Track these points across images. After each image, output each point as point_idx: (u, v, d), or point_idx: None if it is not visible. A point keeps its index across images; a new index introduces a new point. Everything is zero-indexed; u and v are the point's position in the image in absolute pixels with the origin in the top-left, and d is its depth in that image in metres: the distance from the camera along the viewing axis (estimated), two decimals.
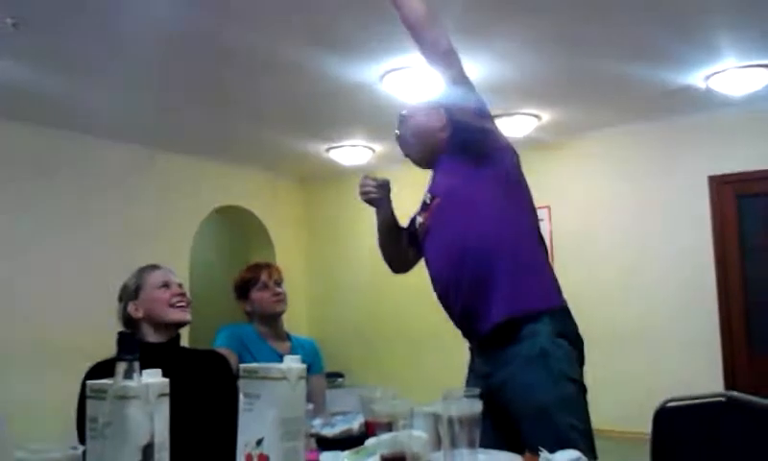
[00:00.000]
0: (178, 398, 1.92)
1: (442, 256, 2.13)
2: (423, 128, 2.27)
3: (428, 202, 2.22)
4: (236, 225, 7.14)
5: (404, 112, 2.34)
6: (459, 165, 2.13)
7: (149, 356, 2.07)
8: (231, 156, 6.38)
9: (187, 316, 2.21)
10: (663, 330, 5.33)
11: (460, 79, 2.05)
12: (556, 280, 2.11)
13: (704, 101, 4.91)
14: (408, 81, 4.27)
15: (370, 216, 8.22)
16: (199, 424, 1.92)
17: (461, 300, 2.08)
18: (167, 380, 1.19)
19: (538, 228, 2.18)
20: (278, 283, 2.83)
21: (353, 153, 6.10)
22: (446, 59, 2.01)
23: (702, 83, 4.61)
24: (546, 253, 2.18)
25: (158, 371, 1.20)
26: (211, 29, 3.59)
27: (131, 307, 2.20)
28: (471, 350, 2.21)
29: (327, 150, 6.13)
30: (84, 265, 5.20)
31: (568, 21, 3.67)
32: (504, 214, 2.09)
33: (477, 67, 4.18)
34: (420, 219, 2.27)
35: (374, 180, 2.35)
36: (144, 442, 1.10)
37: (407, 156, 2.34)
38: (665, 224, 5.43)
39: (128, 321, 2.20)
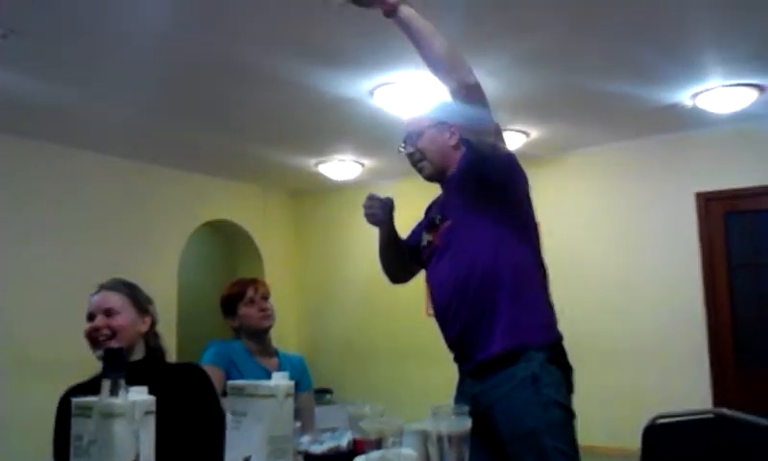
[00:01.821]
0: (162, 415, 1.91)
1: (446, 281, 2.13)
2: (435, 143, 2.24)
3: (437, 222, 2.20)
4: (225, 239, 7.12)
5: (410, 127, 2.30)
6: (472, 190, 2.11)
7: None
8: (220, 170, 6.37)
9: (96, 353, 2.10)
10: (652, 346, 5.34)
11: (483, 109, 2.01)
12: (554, 313, 2.14)
13: (691, 119, 4.95)
14: (398, 95, 4.28)
15: (360, 231, 8.27)
16: (178, 439, 1.89)
17: (459, 325, 2.10)
18: (153, 398, 1.17)
19: (541, 256, 2.20)
20: (265, 298, 2.81)
21: (343, 167, 6.10)
22: (472, 95, 1.96)
23: (689, 101, 4.65)
24: (547, 281, 2.19)
25: (145, 388, 1.18)
26: (202, 43, 3.59)
27: None
28: (462, 371, 2.20)
29: (317, 164, 6.13)
30: (69, 279, 5.15)
31: (557, 39, 3.69)
32: (511, 247, 2.10)
33: None
34: (427, 237, 2.26)
35: (378, 200, 2.33)
36: (130, 460, 1.09)
37: (419, 170, 2.30)
38: (653, 240, 5.45)
39: None
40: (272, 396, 1.41)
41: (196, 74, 4.04)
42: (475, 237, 2.09)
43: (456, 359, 2.22)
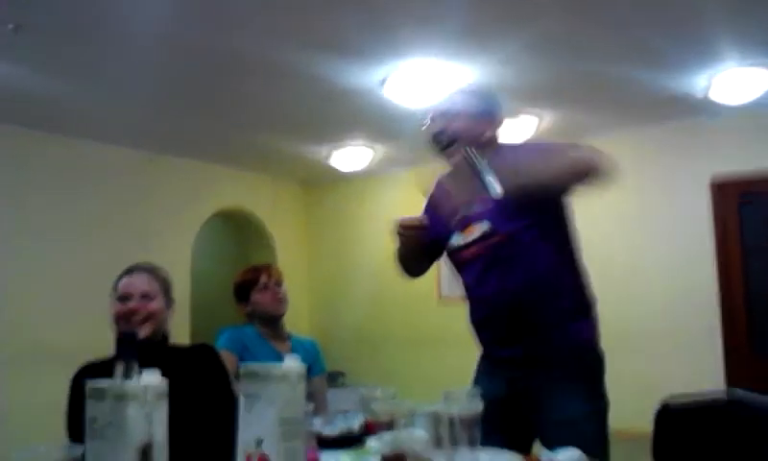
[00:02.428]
0: (175, 398, 1.93)
1: (498, 296, 2.11)
2: (470, 133, 2.15)
3: (487, 233, 2.11)
4: (237, 228, 7.14)
5: (444, 105, 2.23)
6: (529, 208, 2.04)
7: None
8: (232, 159, 6.38)
9: (134, 331, 2.11)
10: (664, 331, 5.32)
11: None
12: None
13: (705, 104, 4.90)
14: (409, 85, 4.27)
15: (370, 220, 8.28)
16: (191, 421, 1.91)
17: (508, 330, 2.11)
18: (166, 381, 1.18)
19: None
20: (278, 284, 2.82)
21: (353, 157, 6.09)
22: (605, 168, 1.95)
23: (703, 86, 4.60)
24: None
25: (157, 371, 1.20)
26: (212, 33, 3.59)
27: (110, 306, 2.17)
28: (498, 358, 2.19)
29: (328, 154, 6.13)
30: (83, 270, 5.19)
31: (569, 25, 3.66)
32: (565, 256, 2.15)
33: (477, 71, 4.18)
34: (462, 238, 2.19)
35: (411, 226, 2.26)
36: (143, 442, 1.10)
37: (445, 154, 2.23)
38: (666, 226, 5.42)
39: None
40: (284, 379, 1.42)
41: (206, 65, 4.04)
42: (530, 254, 2.07)
43: (491, 348, 2.20)
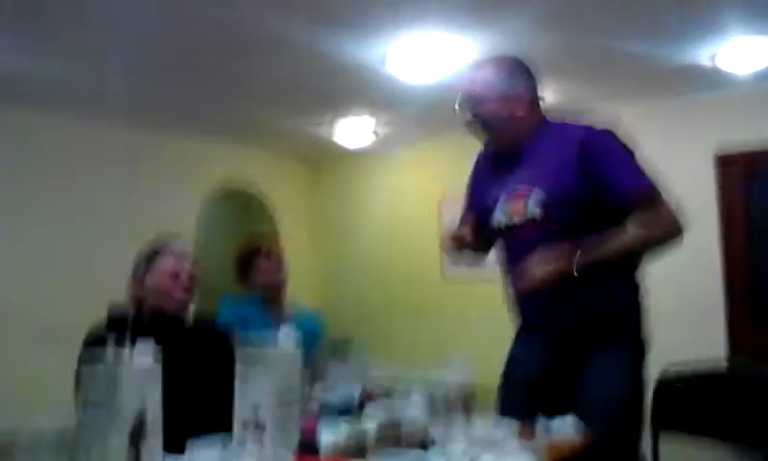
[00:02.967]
0: (176, 372, 1.94)
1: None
2: (499, 115, 2.08)
3: (538, 218, 2.00)
4: (241, 206, 7.13)
5: (469, 89, 2.15)
6: (576, 192, 1.96)
7: (149, 324, 2.10)
8: (234, 136, 6.36)
9: (185, 299, 2.17)
10: (668, 304, 5.29)
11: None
12: None
13: (710, 78, 4.84)
14: (412, 59, 4.24)
15: (374, 197, 8.22)
16: (198, 396, 1.93)
17: (555, 297, 2.02)
18: (159, 353, 1.19)
19: None
20: (279, 255, 2.83)
21: (357, 133, 6.07)
22: (681, 233, 1.95)
23: (708, 59, 4.54)
24: None
25: (151, 343, 1.20)
26: (212, 7, 3.55)
27: (135, 283, 2.19)
28: (523, 334, 2.18)
29: (332, 130, 6.11)
30: (84, 252, 5.19)
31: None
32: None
33: (487, 45, 4.13)
34: (503, 217, 2.10)
35: (459, 240, 2.21)
36: (136, 414, 1.11)
37: (484, 139, 2.19)
38: (672, 199, 5.39)
39: (134, 286, 2.19)
40: (280, 349, 1.44)
41: (206, 40, 4.00)
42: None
43: (535, 317, 2.15)
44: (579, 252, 1.81)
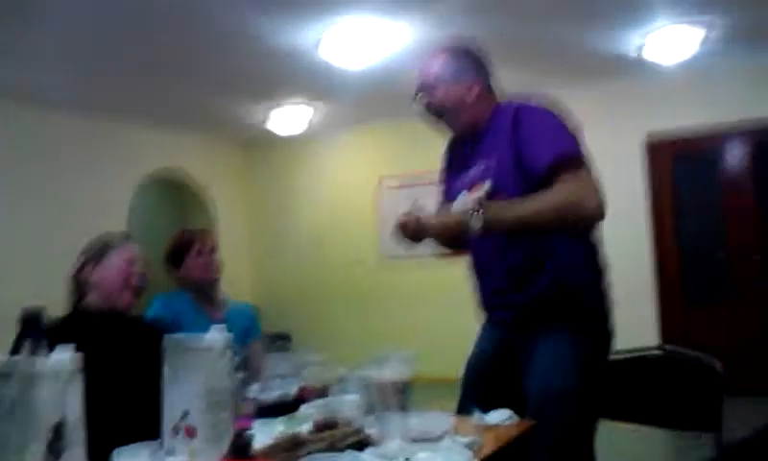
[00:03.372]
0: (113, 367, 1.87)
1: (496, 246, 2.00)
2: (451, 99, 2.05)
3: (485, 193, 1.96)
4: (175, 192, 6.97)
5: (422, 78, 2.11)
6: (513, 163, 1.94)
7: (91, 323, 2.02)
8: (168, 121, 6.19)
9: (133, 302, 2.13)
10: None
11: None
12: None
13: (640, 64, 4.96)
14: (345, 44, 4.19)
15: (311, 182, 8.14)
16: (131, 395, 1.86)
17: (509, 278, 2.00)
18: (79, 358, 1.13)
19: None
20: (212, 251, 2.75)
21: (292, 118, 5.98)
22: (598, 218, 1.87)
23: (637, 46, 4.65)
24: None
25: (70, 348, 1.14)
26: None
27: (87, 269, 2.10)
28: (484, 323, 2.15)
29: (266, 115, 6.01)
30: (15, 237, 5.01)
31: None
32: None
33: (415, 32, 4.13)
34: (467, 199, 1.99)
35: (408, 226, 2.02)
36: (54, 421, 1.05)
37: (441, 126, 2.13)
38: (602, 185, 5.51)
39: (78, 282, 2.11)
40: (208, 350, 1.39)
41: (139, 22, 3.86)
42: None
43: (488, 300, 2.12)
44: (480, 208, 1.79)
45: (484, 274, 2.08)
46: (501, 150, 1.95)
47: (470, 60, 2.11)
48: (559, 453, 1.80)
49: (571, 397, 1.83)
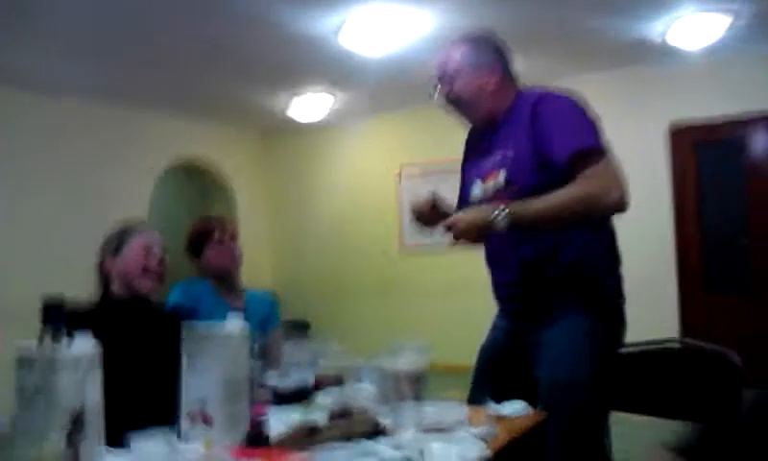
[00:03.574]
0: (135, 354, 1.90)
1: (510, 237, 1.95)
2: (470, 89, 2.05)
3: (501, 188, 1.98)
4: (197, 180, 7.03)
5: (441, 68, 2.10)
6: (530, 154, 1.94)
7: (113, 310, 2.06)
8: (190, 110, 6.23)
9: (154, 287, 2.15)
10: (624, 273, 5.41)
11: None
12: None
13: (663, 50, 4.90)
14: (365, 32, 4.18)
15: (332, 171, 8.13)
16: (150, 383, 1.89)
17: (522, 269, 2.00)
18: (98, 346, 1.15)
19: None
20: (233, 239, 2.77)
21: (312, 105, 5.99)
22: (622, 208, 1.86)
23: (661, 32, 4.59)
24: None
25: (90, 336, 1.16)
26: None
27: (108, 261, 2.14)
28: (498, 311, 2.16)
29: (287, 103, 6.02)
30: (39, 226, 5.08)
31: None
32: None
33: (435, 17, 4.11)
34: (479, 191, 2.06)
35: (423, 211, 2.08)
36: (74, 408, 1.08)
37: (459, 116, 2.13)
38: (626, 172, 5.46)
39: (102, 273, 2.15)
40: (227, 338, 1.40)
41: (160, 8, 3.89)
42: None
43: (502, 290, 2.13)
44: (503, 206, 1.78)
45: (497, 264, 2.09)
46: (518, 140, 1.95)
47: (490, 50, 2.10)
48: (570, 442, 1.80)
49: (583, 386, 1.83)
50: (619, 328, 2.01)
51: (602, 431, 1.92)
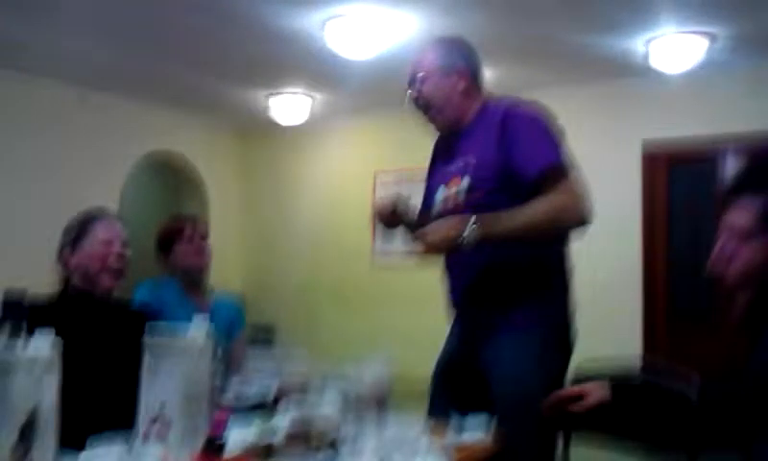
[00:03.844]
0: (94, 352, 1.85)
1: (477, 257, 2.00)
2: (441, 90, 2.07)
3: (461, 202, 2.02)
4: (170, 173, 6.93)
5: (413, 69, 2.13)
6: (494, 162, 1.98)
7: (73, 305, 2.01)
8: (166, 100, 6.15)
9: (114, 284, 2.09)
10: (587, 296, 5.40)
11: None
12: None
13: (641, 68, 4.95)
14: (350, 30, 4.17)
15: (308, 173, 8.05)
16: (110, 381, 1.86)
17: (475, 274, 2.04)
18: (58, 345, 1.13)
19: None
20: (203, 238, 2.75)
21: (292, 107, 5.95)
22: (586, 223, 1.92)
23: (640, 49, 4.64)
24: None
25: (51, 333, 1.14)
26: None
27: (66, 253, 2.08)
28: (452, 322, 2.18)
29: (266, 103, 5.98)
30: (4, 208, 4.98)
31: None
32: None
33: (419, 20, 4.11)
34: (443, 195, 2.10)
35: (387, 212, 2.12)
36: (28, 408, 1.05)
37: (428, 120, 2.15)
38: (595, 189, 5.42)
39: (62, 265, 2.09)
40: (190, 344, 1.39)
41: (148, 2, 3.85)
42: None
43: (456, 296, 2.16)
44: (472, 221, 1.79)
45: (453, 269, 2.12)
46: (484, 148, 1.98)
47: (459, 55, 2.13)
48: (525, 456, 1.83)
49: (534, 399, 1.84)
50: (567, 336, 2.07)
51: (553, 446, 1.95)
